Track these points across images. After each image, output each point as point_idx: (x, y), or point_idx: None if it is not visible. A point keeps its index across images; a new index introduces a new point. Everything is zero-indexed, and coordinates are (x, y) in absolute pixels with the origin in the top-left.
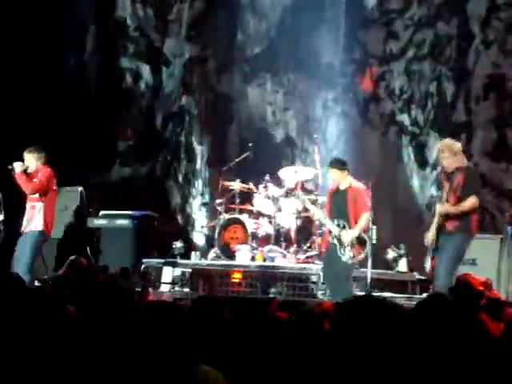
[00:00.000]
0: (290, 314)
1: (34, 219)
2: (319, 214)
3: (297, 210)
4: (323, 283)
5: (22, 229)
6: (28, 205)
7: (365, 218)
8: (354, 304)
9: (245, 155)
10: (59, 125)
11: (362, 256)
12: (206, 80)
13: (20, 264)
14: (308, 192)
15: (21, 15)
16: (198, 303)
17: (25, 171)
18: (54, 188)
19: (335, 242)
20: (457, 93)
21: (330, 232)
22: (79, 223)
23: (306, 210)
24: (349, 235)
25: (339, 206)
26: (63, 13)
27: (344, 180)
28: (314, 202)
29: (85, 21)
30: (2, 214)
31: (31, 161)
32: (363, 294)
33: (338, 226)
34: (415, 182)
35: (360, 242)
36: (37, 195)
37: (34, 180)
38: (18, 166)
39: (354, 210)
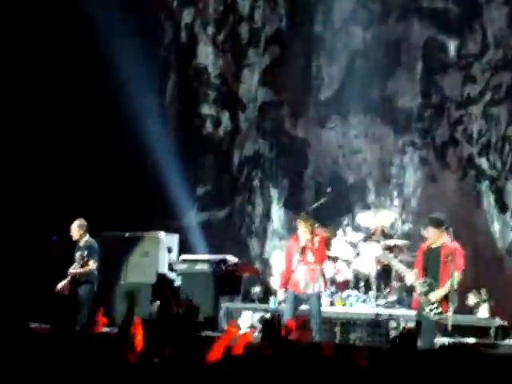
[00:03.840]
0: (369, 359)
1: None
2: (407, 273)
3: (376, 255)
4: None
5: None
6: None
7: (456, 278)
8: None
9: (323, 200)
10: (142, 172)
11: (449, 314)
12: (280, 124)
13: None
14: (387, 236)
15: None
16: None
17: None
18: None
19: (422, 298)
20: None
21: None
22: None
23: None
24: (436, 294)
25: (431, 263)
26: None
27: (439, 238)
28: (393, 248)
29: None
30: (96, 262)
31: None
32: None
33: (425, 284)
34: (496, 227)
35: (447, 300)
36: (313, 258)
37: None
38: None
39: (445, 268)
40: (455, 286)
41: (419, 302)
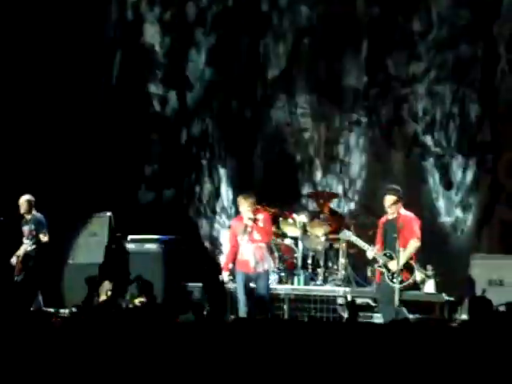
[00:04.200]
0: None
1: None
2: (367, 248)
3: (323, 233)
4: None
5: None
6: (253, 246)
7: (412, 245)
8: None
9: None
10: (88, 150)
11: (411, 282)
12: (227, 103)
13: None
14: (335, 214)
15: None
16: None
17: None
18: None
19: (383, 269)
20: (482, 114)
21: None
22: (109, 248)
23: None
24: (395, 263)
25: (389, 234)
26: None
27: (396, 209)
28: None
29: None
30: (46, 235)
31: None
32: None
33: (385, 255)
34: (441, 203)
35: (407, 268)
36: (259, 237)
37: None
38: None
39: (402, 237)
40: (412, 254)
41: (380, 273)
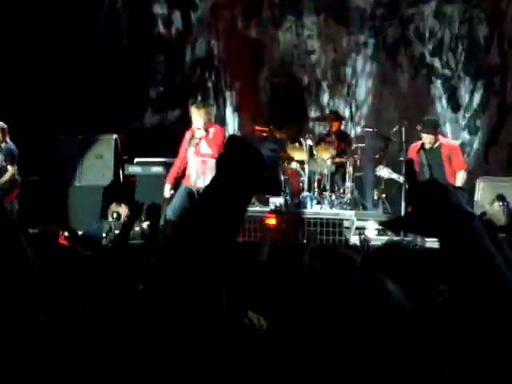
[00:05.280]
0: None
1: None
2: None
3: (330, 156)
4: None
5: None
6: (198, 159)
7: (462, 178)
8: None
9: None
10: (93, 74)
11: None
12: (233, 24)
13: None
14: (343, 136)
15: None
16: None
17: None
18: None
19: None
20: (490, 35)
21: None
22: (116, 170)
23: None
24: None
25: (432, 165)
26: None
27: (436, 139)
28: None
29: None
30: (15, 165)
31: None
32: None
33: None
34: (448, 127)
35: None
36: (209, 151)
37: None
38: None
39: (450, 168)
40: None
41: None
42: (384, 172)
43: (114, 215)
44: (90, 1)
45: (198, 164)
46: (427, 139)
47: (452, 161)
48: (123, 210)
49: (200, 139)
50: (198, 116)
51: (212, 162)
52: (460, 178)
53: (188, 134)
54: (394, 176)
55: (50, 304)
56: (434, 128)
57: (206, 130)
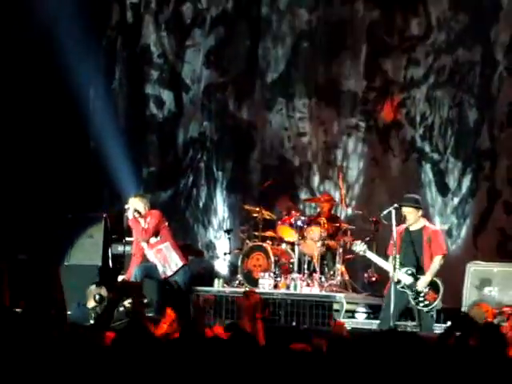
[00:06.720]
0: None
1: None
2: (383, 264)
3: (320, 238)
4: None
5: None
6: (152, 251)
7: (438, 262)
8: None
9: (269, 182)
10: (87, 154)
11: (438, 302)
12: (225, 106)
13: None
14: (334, 219)
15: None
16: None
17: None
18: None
19: (406, 290)
20: (480, 119)
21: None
22: (105, 250)
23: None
24: (423, 282)
25: (411, 247)
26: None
27: (418, 220)
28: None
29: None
30: None
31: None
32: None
33: (407, 273)
34: (436, 208)
35: (433, 287)
36: (158, 238)
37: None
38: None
39: (427, 252)
40: (437, 271)
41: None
42: (359, 248)
43: (97, 297)
44: (84, 81)
45: (156, 255)
46: (409, 216)
47: (431, 244)
48: (104, 292)
49: (143, 230)
50: (135, 205)
51: (164, 247)
52: (436, 262)
53: (133, 225)
54: (376, 259)
55: None
56: (414, 203)
57: (145, 220)
